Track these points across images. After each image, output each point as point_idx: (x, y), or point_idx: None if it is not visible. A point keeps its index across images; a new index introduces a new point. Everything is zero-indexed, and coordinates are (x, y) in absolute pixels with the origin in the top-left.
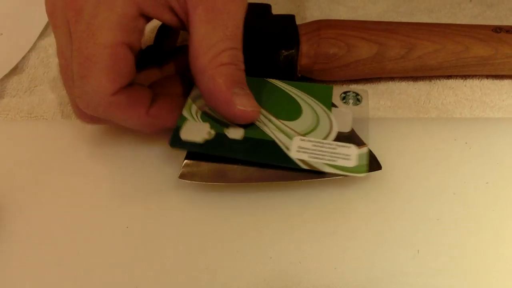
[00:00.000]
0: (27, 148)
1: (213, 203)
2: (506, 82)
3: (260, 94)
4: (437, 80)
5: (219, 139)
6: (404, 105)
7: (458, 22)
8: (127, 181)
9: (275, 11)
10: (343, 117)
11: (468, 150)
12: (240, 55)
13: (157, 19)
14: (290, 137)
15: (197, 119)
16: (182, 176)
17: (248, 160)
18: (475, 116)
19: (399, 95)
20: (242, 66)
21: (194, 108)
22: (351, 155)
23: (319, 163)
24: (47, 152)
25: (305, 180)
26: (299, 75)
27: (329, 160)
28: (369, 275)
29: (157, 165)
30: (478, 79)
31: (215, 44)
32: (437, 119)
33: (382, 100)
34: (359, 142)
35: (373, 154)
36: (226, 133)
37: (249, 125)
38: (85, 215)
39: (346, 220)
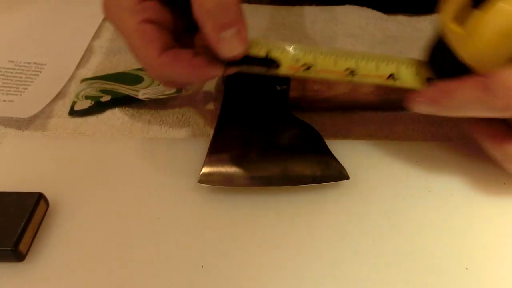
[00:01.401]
0: (73, 159)
1: (223, 202)
2: None
3: (119, 79)
4: (400, 112)
5: (97, 104)
6: (372, 131)
7: None
8: (159, 183)
9: None
10: None
11: (418, 166)
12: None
13: None
14: (137, 91)
15: (82, 99)
16: (200, 181)
17: (117, 104)
18: (425, 141)
19: (369, 123)
20: None
21: (80, 94)
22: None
23: (156, 95)
24: (90, 162)
25: (297, 186)
26: (290, 106)
27: (161, 93)
28: (338, 254)
29: (181, 173)
30: None
31: None
32: (393, 142)
33: (355, 127)
34: None
35: (343, 167)
36: (100, 99)
37: (111, 92)
38: (125, 209)
39: (321, 216)
